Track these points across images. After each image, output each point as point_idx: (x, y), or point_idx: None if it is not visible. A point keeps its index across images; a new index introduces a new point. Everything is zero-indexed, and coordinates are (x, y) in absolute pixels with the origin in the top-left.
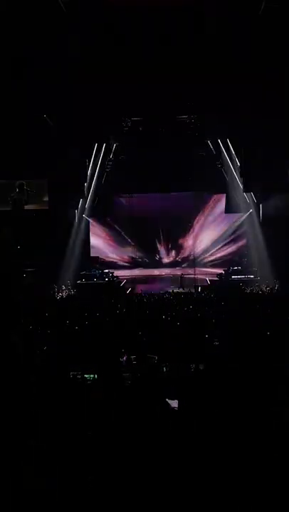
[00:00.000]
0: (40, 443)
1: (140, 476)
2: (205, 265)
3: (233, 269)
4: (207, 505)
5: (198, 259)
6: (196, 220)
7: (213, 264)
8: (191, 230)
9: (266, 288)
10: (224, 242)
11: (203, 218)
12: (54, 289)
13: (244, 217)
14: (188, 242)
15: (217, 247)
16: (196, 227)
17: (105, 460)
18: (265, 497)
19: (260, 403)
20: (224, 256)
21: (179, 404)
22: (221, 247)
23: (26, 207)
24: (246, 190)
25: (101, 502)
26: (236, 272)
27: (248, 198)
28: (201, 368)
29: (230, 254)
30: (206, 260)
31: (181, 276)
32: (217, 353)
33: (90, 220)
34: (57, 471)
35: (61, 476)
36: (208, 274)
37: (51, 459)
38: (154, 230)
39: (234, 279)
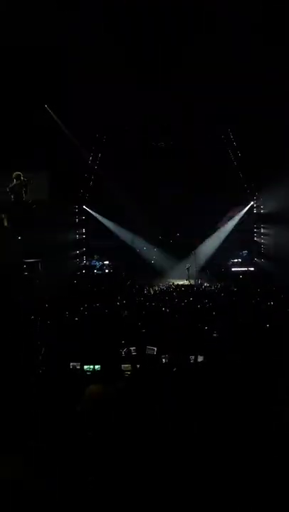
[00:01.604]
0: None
1: (140, 474)
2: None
3: (232, 262)
4: (207, 503)
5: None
6: None
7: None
8: None
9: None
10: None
11: None
12: (53, 281)
13: (244, 210)
14: None
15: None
16: None
17: (105, 459)
18: (265, 497)
19: (259, 400)
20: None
21: (178, 399)
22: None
23: (25, 198)
24: (247, 182)
25: (101, 502)
26: (236, 264)
27: (249, 190)
28: (200, 359)
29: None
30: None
31: (188, 269)
32: (216, 345)
33: (90, 211)
34: (57, 471)
35: (61, 476)
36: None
37: (51, 459)
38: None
39: (234, 272)
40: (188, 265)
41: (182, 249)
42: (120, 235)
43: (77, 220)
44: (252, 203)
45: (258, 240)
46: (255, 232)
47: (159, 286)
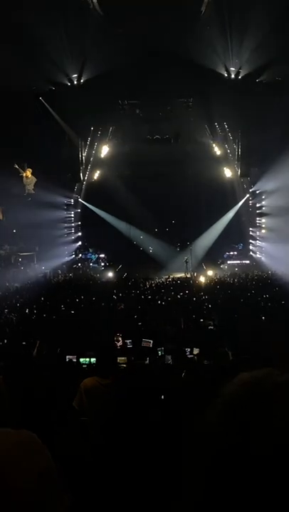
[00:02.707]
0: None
1: (138, 472)
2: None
3: (228, 255)
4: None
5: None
6: None
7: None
8: None
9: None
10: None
11: None
12: (49, 274)
13: (240, 203)
14: None
15: None
16: None
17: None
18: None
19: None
20: None
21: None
22: None
23: (16, 191)
24: (243, 175)
25: (100, 503)
26: (231, 257)
27: (245, 183)
28: (196, 352)
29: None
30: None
31: (186, 261)
32: (212, 338)
33: (86, 203)
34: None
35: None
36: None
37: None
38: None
39: (230, 264)
40: (186, 257)
41: (179, 237)
42: (116, 225)
43: (72, 214)
44: (247, 195)
45: (253, 233)
46: (251, 225)
47: (155, 280)
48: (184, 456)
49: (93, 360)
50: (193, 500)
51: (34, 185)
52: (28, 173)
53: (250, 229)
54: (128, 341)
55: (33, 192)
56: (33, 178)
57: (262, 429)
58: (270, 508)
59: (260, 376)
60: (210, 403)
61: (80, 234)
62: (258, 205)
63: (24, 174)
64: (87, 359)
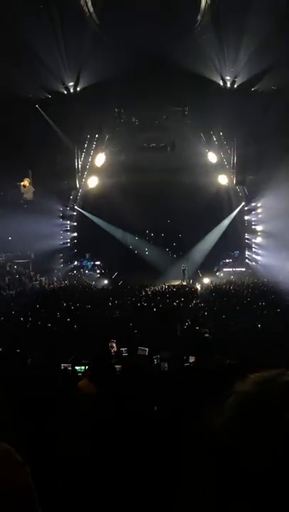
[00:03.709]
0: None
1: (135, 476)
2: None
3: (224, 262)
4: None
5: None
6: None
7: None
8: None
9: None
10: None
11: None
12: (44, 281)
13: (236, 211)
14: None
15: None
16: None
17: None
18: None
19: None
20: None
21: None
22: None
23: (11, 198)
24: (238, 183)
25: (100, 503)
26: (227, 265)
27: (241, 191)
28: (192, 360)
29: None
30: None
31: (184, 270)
32: (208, 345)
33: (82, 211)
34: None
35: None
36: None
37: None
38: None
39: (225, 272)
40: (183, 265)
41: (175, 245)
42: (112, 233)
43: (68, 222)
44: (243, 203)
45: (249, 241)
46: (247, 232)
47: (151, 288)
48: (184, 455)
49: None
50: (198, 500)
51: (32, 195)
52: (26, 182)
53: (246, 236)
54: (123, 349)
55: (30, 199)
56: (31, 187)
57: (273, 428)
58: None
59: (272, 376)
60: (209, 404)
61: (75, 241)
62: (253, 212)
63: (22, 184)
64: (83, 367)
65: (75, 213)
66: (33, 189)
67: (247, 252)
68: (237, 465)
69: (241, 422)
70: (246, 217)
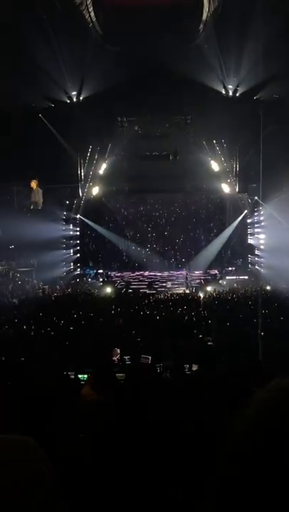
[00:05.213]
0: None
1: (138, 472)
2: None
3: (226, 270)
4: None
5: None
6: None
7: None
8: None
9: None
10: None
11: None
12: (47, 289)
13: (238, 219)
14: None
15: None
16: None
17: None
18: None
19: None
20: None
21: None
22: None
23: (14, 206)
24: (241, 191)
25: (100, 503)
26: (230, 273)
27: (243, 199)
28: (195, 368)
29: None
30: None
31: (186, 276)
32: (211, 354)
33: (85, 219)
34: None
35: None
36: (201, 274)
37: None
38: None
39: (228, 280)
40: (186, 273)
41: (178, 253)
42: (115, 241)
43: (71, 230)
44: (246, 211)
45: (252, 249)
46: (250, 240)
47: (154, 296)
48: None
49: None
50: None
51: (42, 196)
52: (34, 184)
53: (249, 244)
54: (126, 357)
55: (41, 202)
56: (39, 189)
57: None
58: None
59: None
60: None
61: (78, 249)
62: (256, 220)
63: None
64: (86, 376)
65: (77, 221)
66: (41, 190)
67: (250, 260)
68: (261, 474)
69: (266, 431)
70: (249, 226)
